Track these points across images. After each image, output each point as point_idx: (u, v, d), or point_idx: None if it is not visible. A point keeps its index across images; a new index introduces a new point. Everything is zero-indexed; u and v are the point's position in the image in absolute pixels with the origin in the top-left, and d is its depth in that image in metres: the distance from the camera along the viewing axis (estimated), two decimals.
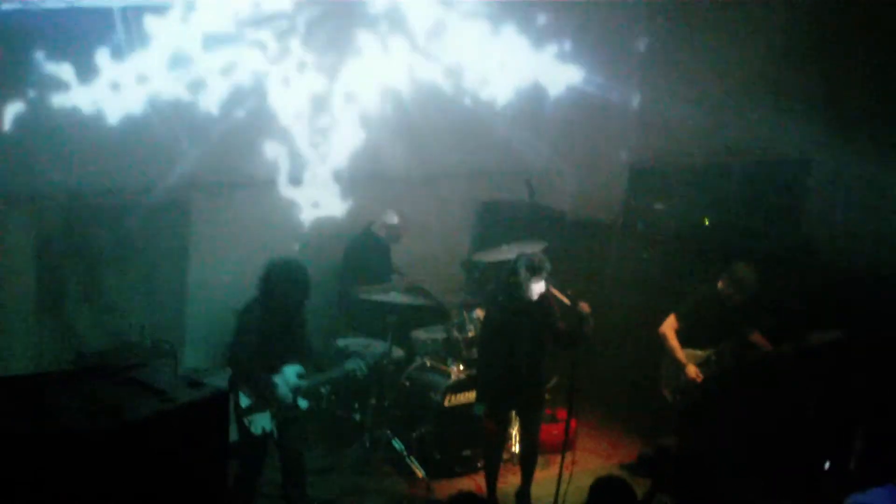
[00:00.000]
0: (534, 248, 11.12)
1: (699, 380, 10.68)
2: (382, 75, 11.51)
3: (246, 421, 9.25)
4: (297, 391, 9.34)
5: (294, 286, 9.32)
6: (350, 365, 9.87)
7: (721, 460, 9.69)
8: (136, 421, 7.63)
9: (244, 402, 9.24)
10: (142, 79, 10.36)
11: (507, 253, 11.29)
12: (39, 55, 10.06)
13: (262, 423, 9.27)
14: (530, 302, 9.87)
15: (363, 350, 10.87)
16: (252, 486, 9.49)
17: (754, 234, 12.63)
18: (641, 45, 13.56)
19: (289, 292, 9.32)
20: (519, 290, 9.83)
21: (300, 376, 9.37)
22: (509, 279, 9.93)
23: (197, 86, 10.72)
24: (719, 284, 10.80)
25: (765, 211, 13.68)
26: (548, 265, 9.86)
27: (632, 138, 13.78)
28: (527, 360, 10.02)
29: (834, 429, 10.60)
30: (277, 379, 9.28)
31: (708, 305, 10.85)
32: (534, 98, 12.32)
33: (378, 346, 11.21)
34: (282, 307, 9.34)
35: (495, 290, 10.43)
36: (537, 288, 9.83)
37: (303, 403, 9.40)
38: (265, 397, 9.25)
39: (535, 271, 9.79)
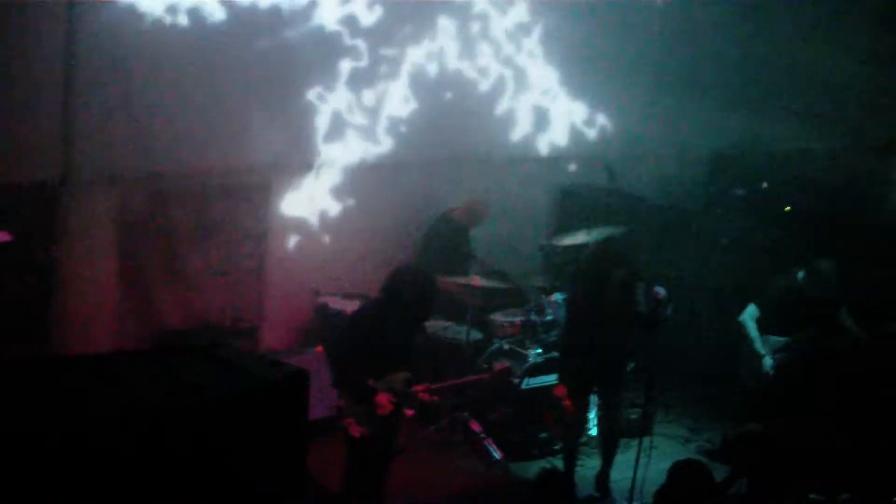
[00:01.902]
0: (613, 234, 11.11)
1: (772, 373, 10.65)
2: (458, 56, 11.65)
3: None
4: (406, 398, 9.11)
5: (425, 301, 8.96)
6: None
7: (801, 447, 9.62)
8: (217, 399, 7.71)
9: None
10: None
11: (587, 237, 11.27)
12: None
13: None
14: (614, 283, 9.86)
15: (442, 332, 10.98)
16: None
17: (837, 223, 12.49)
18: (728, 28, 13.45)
19: (420, 306, 8.97)
20: (603, 276, 9.83)
21: (407, 382, 9.22)
22: (596, 262, 9.94)
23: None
24: (800, 275, 10.74)
25: (848, 200, 13.51)
26: (633, 249, 9.88)
27: (714, 123, 13.66)
28: (609, 341, 10.01)
29: None
30: (381, 385, 8.91)
31: (788, 296, 10.80)
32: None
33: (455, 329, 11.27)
34: (407, 320, 9.01)
35: (581, 271, 10.43)
36: (621, 271, 9.83)
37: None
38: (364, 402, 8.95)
39: (621, 258, 9.81)
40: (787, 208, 13.15)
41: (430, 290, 8.96)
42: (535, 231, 12.98)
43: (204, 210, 11.22)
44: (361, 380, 8.80)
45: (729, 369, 11.20)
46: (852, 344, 10.74)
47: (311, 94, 11.28)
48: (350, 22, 11.26)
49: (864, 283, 11.48)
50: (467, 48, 11.92)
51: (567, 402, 10.08)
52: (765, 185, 13.53)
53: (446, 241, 12.08)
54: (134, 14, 10.23)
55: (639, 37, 13.08)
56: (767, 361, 10.68)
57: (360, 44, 11.33)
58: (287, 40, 10.98)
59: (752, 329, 10.82)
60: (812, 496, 9.45)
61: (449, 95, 11.96)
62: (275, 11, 10.87)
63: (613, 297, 9.95)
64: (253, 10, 10.74)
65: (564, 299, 11.39)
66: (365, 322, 9.03)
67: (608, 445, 10.47)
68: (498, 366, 10.91)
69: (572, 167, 13.24)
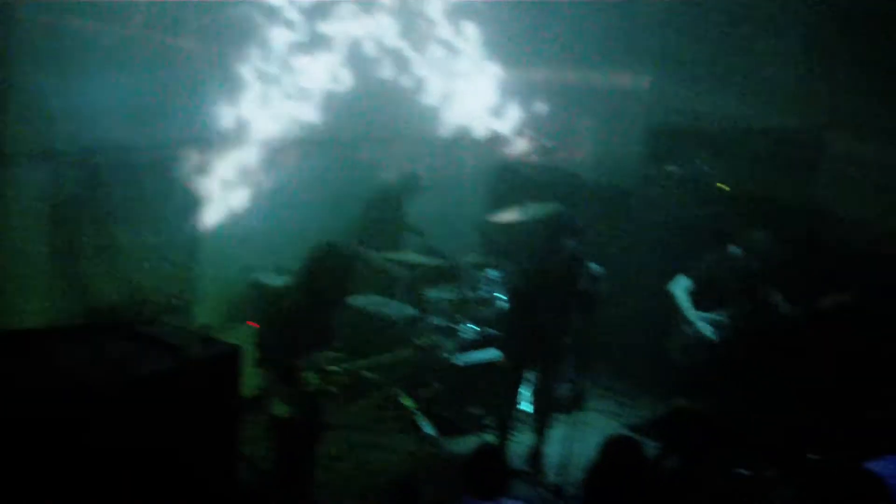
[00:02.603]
0: (549, 211, 11.14)
1: (711, 339, 10.69)
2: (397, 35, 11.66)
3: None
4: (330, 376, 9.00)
5: (339, 280, 8.82)
6: None
7: (732, 422, 9.71)
8: (148, 376, 7.67)
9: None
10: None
11: (522, 215, 11.30)
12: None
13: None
14: (563, 261, 9.88)
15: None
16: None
17: (771, 201, 12.56)
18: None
19: (336, 284, 8.84)
20: (557, 250, 9.84)
21: (332, 360, 9.11)
22: (548, 239, 9.94)
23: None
24: (732, 249, 10.78)
25: (782, 178, 13.60)
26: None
27: (649, 101, 13.73)
28: (553, 318, 10.04)
29: (848, 395, 10.61)
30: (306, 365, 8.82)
31: (720, 269, 10.84)
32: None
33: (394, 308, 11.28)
34: (326, 299, 8.86)
35: (528, 248, 10.45)
36: (570, 244, 9.87)
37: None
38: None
39: (574, 231, 9.83)
40: (723, 186, 13.21)
41: (344, 270, 8.84)
42: (470, 208, 13.01)
43: (136, 184, 11.11)
44: (285, 359, 8.72)
45: (661, 346, 11.25)
46: (784, 320, 10.81)
47: (246, 69, 11.23)
48: None
49: (798, 259, 11.55)
50: (406, 27, 11.90)
51: (503, 372, 10.05)
52: (699, 162, 13.59)
53: (381, 215, 12.07)
54: None
55: (574, 13, 13.06)
56: (705, 327, 10.70)
57: (296, 17, 11.29)
58: (217, 12, 10.90)
59: (682, 299, 10.83)
60: (740, 471, 9.56)
61: (386, 73, 11.95)
62: None
63: (561, 270, 9.95)
64: None
65: (502, 275, 11.44)
66: (285, 301, 8.95)
67: (542, 421, 10.51)
68: None
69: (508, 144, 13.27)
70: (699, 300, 10.80)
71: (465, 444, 10.58)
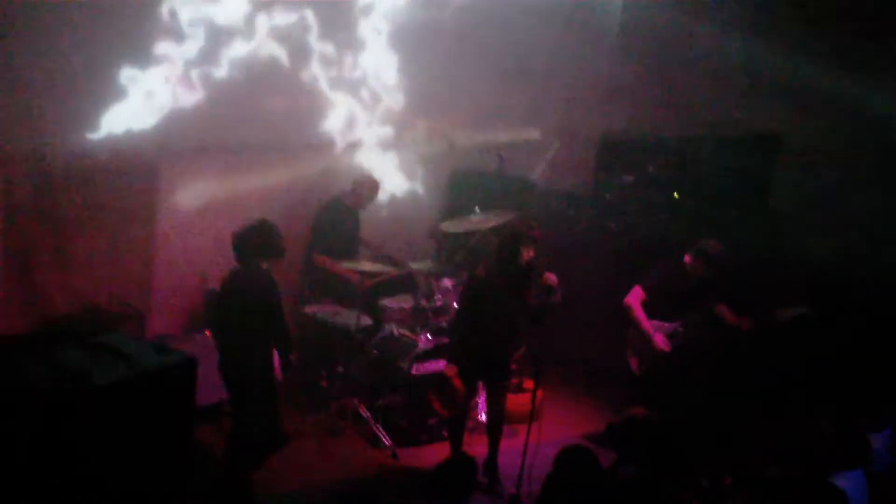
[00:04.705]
0: (504, 219, 11.14)
1: (667, 350, 10.71)
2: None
3: None
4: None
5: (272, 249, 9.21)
6: None
7: (687, 431, 9.75)
8: (101, 385, 7.63)
9: None
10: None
11: (477, 223, 11.30)
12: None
13: None
14: (518, 270, 9.86)
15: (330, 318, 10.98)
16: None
17: (723, 209, 12.62)
18: (615, 19, 13.55)
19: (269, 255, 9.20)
20: (515, 258, 9.81)
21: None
22: (507, 247, 9.90)
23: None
24: (687, 258, 10.81)
25: (735, 186, 13.67)
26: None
27: (603, 110, 13.78)
28: (503, 329, 10.03)
29: (803, 407, 10.68)
30: None
31: (675, 278, 10.86)
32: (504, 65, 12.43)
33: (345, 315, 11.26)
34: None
35: (483, 256, 10.42)
36: (527, 256, 9.84)
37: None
38: None
39: (530, 240, 9.81)
40: (675, 194, 13.27)
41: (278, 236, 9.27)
42: (425, 216, 13.00)
43: (90, 193, 11.03)
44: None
45: (616, 354, 11.27)
46: (737, 330, 10.86)
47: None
48: None
49: (748, 270, 11.61)
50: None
51: (457, 381, 10.02)
52: (651, 169, 13.66)
53: (337, 224, 12.03)
54: None
55: (519, 26, 13.09)
56: (658, 341, 10.73)
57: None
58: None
59: (637, 311, 10.85)
60: (698, 481, 9.61)
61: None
62: None
63: (517, 279, 9.92)
64: None
65: (455, 284, 11.43)
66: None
67: (494, 432, 10.50)
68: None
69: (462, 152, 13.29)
70: (654, 309, 10.82)
71: (422, 455, 10.58)
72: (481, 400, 11.10)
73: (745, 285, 11.36)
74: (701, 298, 10.89)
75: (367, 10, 11.96)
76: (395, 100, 12.30)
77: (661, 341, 10.71)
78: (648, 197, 13.27)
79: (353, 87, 12.09)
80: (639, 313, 10.80)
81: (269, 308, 8.99)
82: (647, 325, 10.75)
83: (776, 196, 13.25)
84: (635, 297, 10.85)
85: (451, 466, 8.23)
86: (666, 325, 10.85)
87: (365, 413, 11.04)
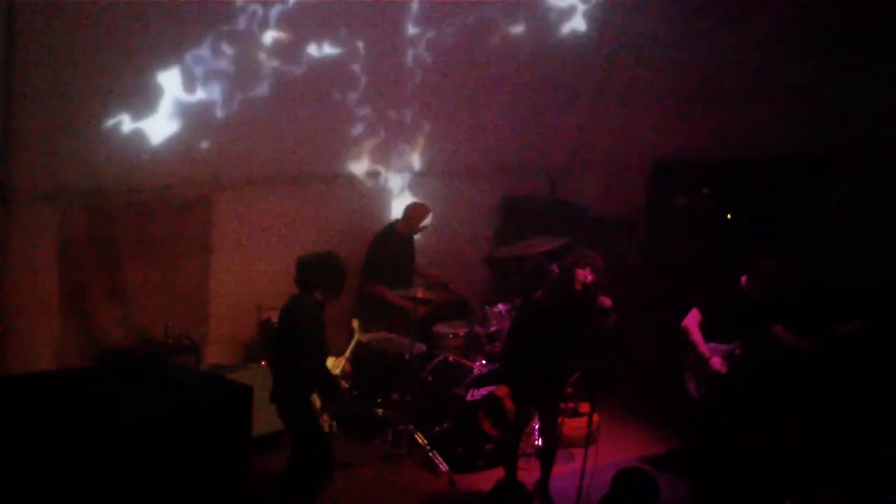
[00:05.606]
0: (556, 244, 11.13)
1: (723, 371, 10.62)
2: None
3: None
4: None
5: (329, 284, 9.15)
6: None
7: (747, 455, 9.67)
8: (157, 418, 7.69)
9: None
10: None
11: (530, 248, 11.29)
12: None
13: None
14: (575, 294, 9.83)
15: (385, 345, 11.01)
16: None
17: (778, 228, 12.57)
18: (659, 40, 13.51)
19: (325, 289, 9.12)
20: (572, 282, 9.79)
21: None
22: (565, 271, 9.89)
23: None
24: (743, 279, 10.74)
25: (789, 205, 13.61)
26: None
27: (654, 133, 13.76)
28: (558, 353, 9.99)
29: (865, 424, 10.57)
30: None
31: (732, 300, 10.77)
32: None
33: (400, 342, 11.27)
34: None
35: (540, 282, 10.40)
36: (585, 280, 9.81)
37: None
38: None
39: (588, 264, 9.79)
40: (728, 216, 13.23)
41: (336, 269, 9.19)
42: (479, 242, 13.01)
43: (145, 225, 11.13)
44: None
45: (674, 376, 11.20)
46: (795, 350, 10.76)
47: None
48: None
49: (808, 287, 11.55)
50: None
51: (508, 402, 9.98)
52: (706, 191, 13.61)
53: (391, 252, 12.05)
54: (78, 17, 10.12)
55: (580, 46, 13.09)
56: (715, 363, 10.63)
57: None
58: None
59: (694, 334, 10.77)
60: None
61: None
62: None
63: (575, 303, 9.89)
64: None
65: (509, 309, 11.41)
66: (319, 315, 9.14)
67: (547, 456, 10.45)
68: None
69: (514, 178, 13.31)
70: (711, 331, 10.74)
71: (481, 480, 10.55)
72: (538, 426, 11.05)
73: (802, 305, 11.27)
74: (758, 319, 10.79)
75: (415, 42, 12.00)
76: (444, 126, 12.33)
77: (717, 363, 10.60)
78: (703, 218, 13.22)
79: (403, 115, 12.13)
80: (696, 336, 10.70)
81: (303, 339, 9.00)
82: (705, 347, 10.66)
83: (831, 213, 13.18)
84: (692, 320, 10.75)
85: (501, 492, 8.19)
86: (723, 346, 10.75)
87: (421, 440, 11.01)
